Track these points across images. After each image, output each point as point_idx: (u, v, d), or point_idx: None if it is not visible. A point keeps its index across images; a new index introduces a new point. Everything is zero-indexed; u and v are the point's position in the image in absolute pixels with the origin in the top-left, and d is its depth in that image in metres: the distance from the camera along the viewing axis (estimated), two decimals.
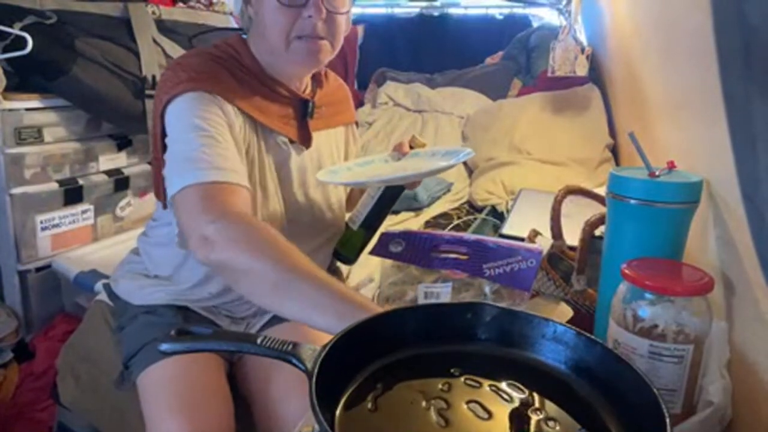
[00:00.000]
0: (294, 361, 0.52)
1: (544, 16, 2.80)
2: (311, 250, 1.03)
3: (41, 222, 1.51)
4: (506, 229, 1.38)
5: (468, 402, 0.51)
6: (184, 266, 1.02)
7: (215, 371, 0.96)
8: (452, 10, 2.85)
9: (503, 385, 0.53)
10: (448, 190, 2.01)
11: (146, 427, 0.88)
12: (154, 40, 1.66)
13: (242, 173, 0.87)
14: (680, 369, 0.63)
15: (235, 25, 1.95)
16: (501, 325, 0.59)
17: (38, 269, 1.55)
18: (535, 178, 1.80)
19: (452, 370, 0.55)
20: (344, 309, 0.66)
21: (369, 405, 0.50)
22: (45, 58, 1.45)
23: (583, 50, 2.06)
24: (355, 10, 3.03)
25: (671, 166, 0.75)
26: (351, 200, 1.21)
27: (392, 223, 1.78)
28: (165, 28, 1.73)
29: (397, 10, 2.93)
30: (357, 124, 1.21)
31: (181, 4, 1.87)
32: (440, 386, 0.52)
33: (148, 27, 1.66)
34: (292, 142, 1.01)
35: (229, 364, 1.03)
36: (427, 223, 1.65)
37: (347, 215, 1.13)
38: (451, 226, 1.58)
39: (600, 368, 0.54)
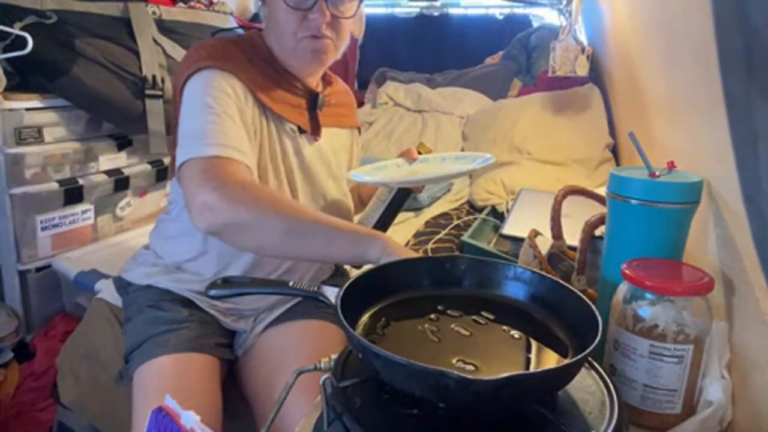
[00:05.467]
0: (321, 298, 0.67)
1: (545, 16, 2.80)
2: None
3: (41, 222, 1.51)
4: (506, 230, 1.38)
5: (453, 325, 0.65)
6: (204, 256, 1.04)
7: (211, 376, 0.95)
8: (452, 10, 2.85)
9: (478, 315, 0.67)
10: (448, 190, 2.01)
11: (132, 418, 0.88)
12: (155, 40, 1.66)
13: (246, 152, 0.90)
14: (680, 369, 0.64)
15: (236, 25, 1.95)
16: (473, 272, 0.73)
17: (38, 269, 1.55)
18: (535, 178, 1.80)
19: (438, 307, 0.68)
20: (358, 237, 0.80)
21: (378, 332, 0.64)
22: (45, 58, 1.45)
23: (583, 50, 2.06)
24: None
25: (671, 166, 0.75)
26: (361, 200, 1.25)
27: (392, 223, 1.78)
28: (165, 28, 1.73)
29: (397, 10, 2.93)
30: (360, 130, 1.25)
31: (181, 4, 1.86)
32: (431, 317, 0.66)
33: (148, 27, 1.66)
34: (302, 131, 1.06)
35: (229, 366, 1.03)
36: (427, 223, 1.65)
37: (355, 218, 1.14)
38: (451, 226, 1.58)
39: (550, 296, 0.68)
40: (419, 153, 1.13)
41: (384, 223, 1.09)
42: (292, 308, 1.08)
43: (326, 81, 1.15)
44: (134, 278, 1.08)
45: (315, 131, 1.08)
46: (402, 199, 1.08)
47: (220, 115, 0.90)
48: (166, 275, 1.05)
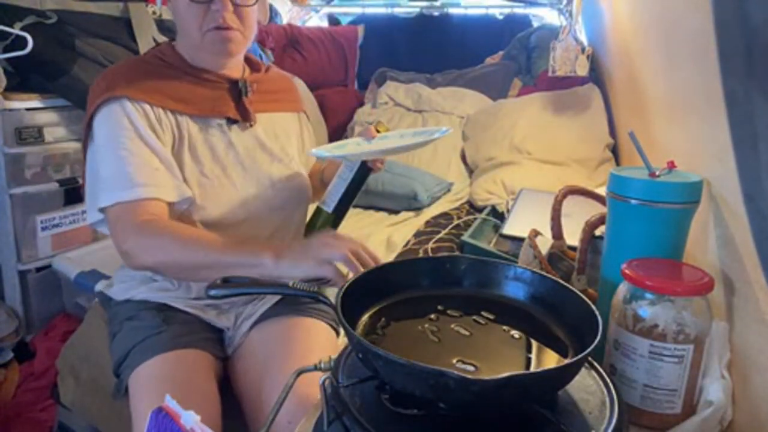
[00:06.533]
0: (321, 298, 0.68)
1: (545, 16, 2.80)
2: (284, 216, 1.12)
3: (41, 222, 1.51)
4: (506, 229, 1.38)
5: (453, 325, 0.65)
6: None
7: (204, 371, 0.95)
8: (452, 10, 2.85)
9: (478, 315, 0.68)
10: (449, 190, 2.01)
11: (132, 426, 0.88)
12: (155, 40, 1.66)
13: (154, 183, 0.94)
14: (680, 369, 0.64)
15: None
16: (473, 272, 0.73)
17: (38, 269, 1.55)
18: (535, 178, 1.80)
19: (438, 307, 0.69)
20: (252, 261, 0.85)
21: (379, 332, 0.65)
22: (45, 58, 1.45)
23: (583, 50, 2.06)
24: (355, 10, 3.03)
25: (671, 166, 0.75)
26: (324, 184, 1.24)
27: (393, 223, 1.78)
28: (165, 27, 1.73)
29: (397, 10, 2.93)
30: (307, 116, 1.25)
31: None
32: (431, 317, 0.67)
33: (148, 27, 1.66)
34: (232, 121, 1.06)
35: (222, 363, 1.03)
36: (427, 223, 1.65)
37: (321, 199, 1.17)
38: (451, 226, 1.58)
39: (550, 296, 0.68)
40: (377, 131, 1.15)
41: (346, 202, 1.12)
42: (275, 305, 1.08)
43: (253, 68, 1.15)
44: (114, 294, 1.09)
45: (246, 118, 1.07)
46: (362, 177, 1.11)
47: (123, 156, 0.93)
48: (141, 286, 1.06)
